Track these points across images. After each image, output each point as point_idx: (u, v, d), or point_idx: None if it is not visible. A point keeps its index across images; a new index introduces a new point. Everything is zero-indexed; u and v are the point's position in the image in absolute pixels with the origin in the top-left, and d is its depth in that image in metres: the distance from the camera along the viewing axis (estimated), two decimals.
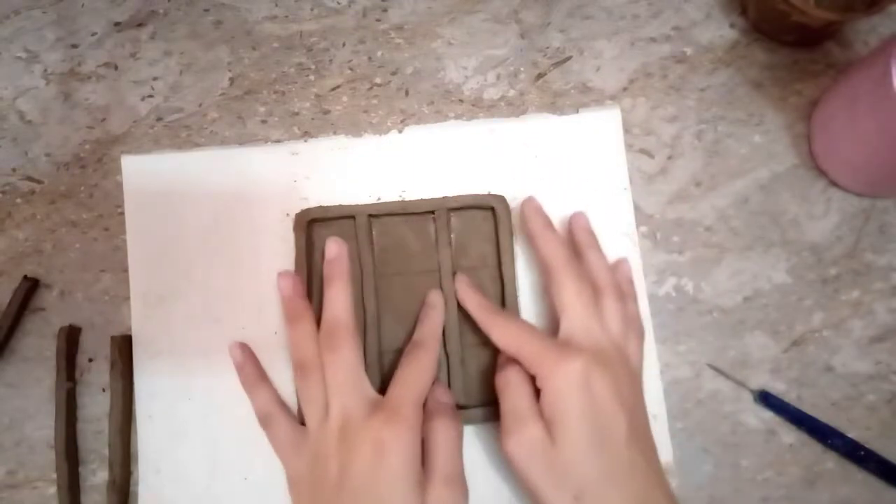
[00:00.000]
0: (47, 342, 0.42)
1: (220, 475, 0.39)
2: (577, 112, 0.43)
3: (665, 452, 0.39)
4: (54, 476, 0.40)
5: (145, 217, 0.42)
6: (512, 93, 0.44)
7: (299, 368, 0.36)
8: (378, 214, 0.41)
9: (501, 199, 0.41)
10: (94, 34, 0.46)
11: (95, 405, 0.41)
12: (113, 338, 0.41)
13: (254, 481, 0.39)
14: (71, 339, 0.41)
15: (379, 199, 0.42)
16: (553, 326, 0.37)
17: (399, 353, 0.39)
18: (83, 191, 0.44)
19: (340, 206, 0.41)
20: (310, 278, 0.40)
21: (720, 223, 0.42)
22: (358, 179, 0.42)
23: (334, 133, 0.44)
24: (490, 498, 0.38)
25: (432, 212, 0.41)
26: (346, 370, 0.35)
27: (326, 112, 0.44)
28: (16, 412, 0.41)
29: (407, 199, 0.42)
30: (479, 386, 0.40)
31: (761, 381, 0.41)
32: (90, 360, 0.42)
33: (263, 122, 0.44)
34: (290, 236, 0.41)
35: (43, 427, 0.41)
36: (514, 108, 0.44)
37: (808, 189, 0.43)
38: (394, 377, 0.36)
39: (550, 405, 0.33)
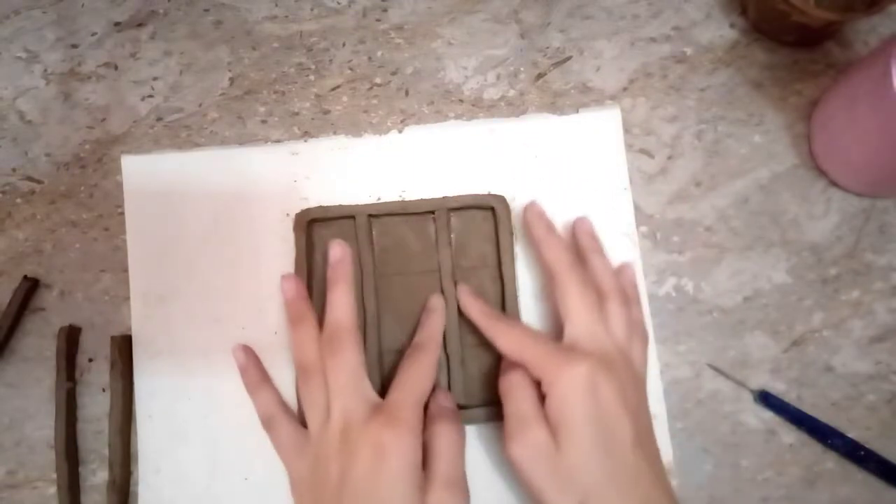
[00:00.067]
0: (47, 342, 0.42)
1: (220, 475, 0.39)
2: (577, 112, 0.43)
3: (665, 452, 0.39)
4: (54, 476, 0.40)
5: (145, 217, 0.42)
6: (512, 93, 0.44)
7: (301, 371, 0.37)
8: (378, 214, 0.41)
9: (501, 199, 0.41)
10: (94, 34, 0.46)
11: (95, 405, 0.41)
12: (113, 338, 0.41)
13: (254, 481, 0.39)
14: (71, 339, 0.41)
15: (379, 199, 0.42)
16: (556, 330, 0.37)
17: (399, 354, 0.39)
18: (83, 191, 0.44)
19: (340, 206, 0.41)
20: (310, 278, 0.40)
21: (720, 223, 0.42)
22: (358, 179, 0.42)
23: (334, 133, 0.44)
24: (491, 499, 0.38)
25: (432, 212, 0.41)
26: (347, 373, 0.35)
27: (326, 112, 0.44)
28: (16, 412, 0.41)
29: (407, 199, 0.42)
30: (479, 386, 0.40)
31: (761, 381, 0.41)
32: (90, 360, 0.42)
33: (263, 122, 0.44)
34: (290, 236, 0.41)
35: (43, 427, 0.41)
36: (514, 108, 0.44)
37: (808, 189, 0.43)
38: (394, 380, 0.36)
39: (555, 410, 0.33)
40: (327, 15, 0.46)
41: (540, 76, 0.45)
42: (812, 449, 0.40)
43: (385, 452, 0.32)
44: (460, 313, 0.40)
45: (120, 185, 0.43)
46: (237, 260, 0.41)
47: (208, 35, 0.46)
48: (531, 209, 0.40)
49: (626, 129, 0.43)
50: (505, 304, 0.40)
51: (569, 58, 0.45)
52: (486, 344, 0.38)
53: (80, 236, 0.43)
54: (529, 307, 0.41)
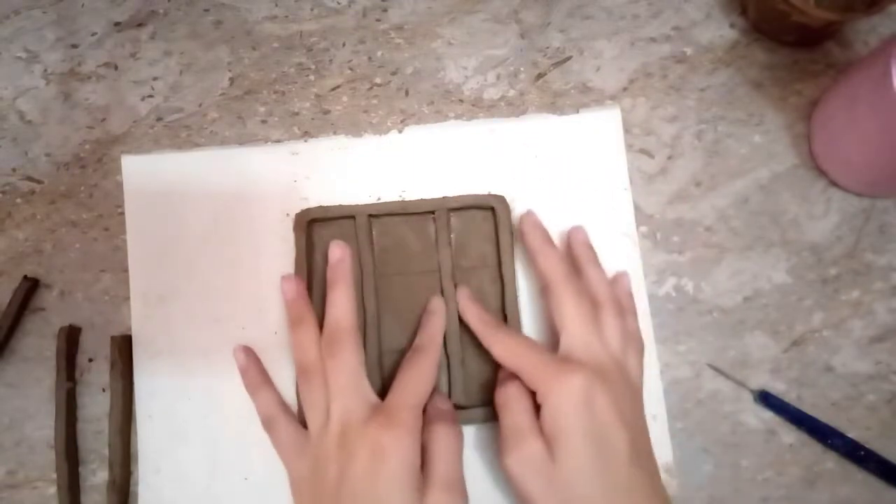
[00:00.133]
0: (47, 342, 0.42)
1: (220, 475, 0.39)
2: (578, 112, 0.43)
3: (665, 452, 0.39)
4: (54, 476, 0.40)
5: (145, 217, 0.42)
6: (512, 93, 0.44)
7: (302, 372, 0.37)
8: (378, 214, 0.41)
9: (501, 199, 0.41)
10: (94, 34, 0.46)
11: (95, 405, 0.41)
12: (113, 338, 0.41)
13: (254, 481, 0.39)
14: (71, 339, 0.41)
15: (379, 199, 0.42)
16: (552, 341, 0.37)
17: (399, 354, 0.39)
18: (83, 191, 0.44)
19: (340, 206, 0.41)
20: (310, 278, 0.40)
21: (720, 223, 0.42)
22: (358, 179, 0.42)
23: (334, 133, 0.44)
24: (490, 500, 0.38)
25: (432, 212, 0.41)
26: (347, 374, 0.35)
27: (326, 112, 0.44)
28: (16, 412, 0.41)
29: (407, 199, 0.42)
30: (479, 386, 0.40)
31: (761, 381, 0.41)
32: (90, 360, 0.42)
33: (263, 122, 0.44)
34: (290, 236, 0.41)
35: (43, 427, 0.41)
36: (514, 108, 0.44)
37: (808, 189, 0.43)
38: (394, 382, 0.36)
39: (551, 422, 0.33)
40: (327, 15, 0.46)
41: (540, 76, 0.45)
42: (812, 449, 0.40)
43: (384, 454, 0.32)
44: (460, 316, 0.40)
45: (120, 185, 0.43)
46: (237, 260, 0.41)
47: (208, 35, 0.46)
48: (527, 219, 0.40)
49: (626, 129, 0.43)
50: (505, 304, 0.40)
51: (569, 58, 0.45)
52: None
53: (80, 236, 0.43)
54: (529, 307, 0.41)
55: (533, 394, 0.34)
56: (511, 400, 0.35)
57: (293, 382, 0.39)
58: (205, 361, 0.40)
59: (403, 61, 0.45)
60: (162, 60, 0.45)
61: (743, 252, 0.42)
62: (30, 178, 0.44)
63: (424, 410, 0.36)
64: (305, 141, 0.43)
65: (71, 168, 0.44)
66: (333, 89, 0.45)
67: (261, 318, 0.41)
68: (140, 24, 0.46)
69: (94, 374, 0.41)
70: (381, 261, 0.41)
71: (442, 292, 0.40)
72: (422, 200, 0.41)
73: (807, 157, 0.43)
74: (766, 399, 0.40)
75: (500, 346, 0.36)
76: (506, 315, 0.40)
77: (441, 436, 0.35)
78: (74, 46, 0.46)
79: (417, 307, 0.40)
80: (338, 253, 0.39)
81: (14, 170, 0.44)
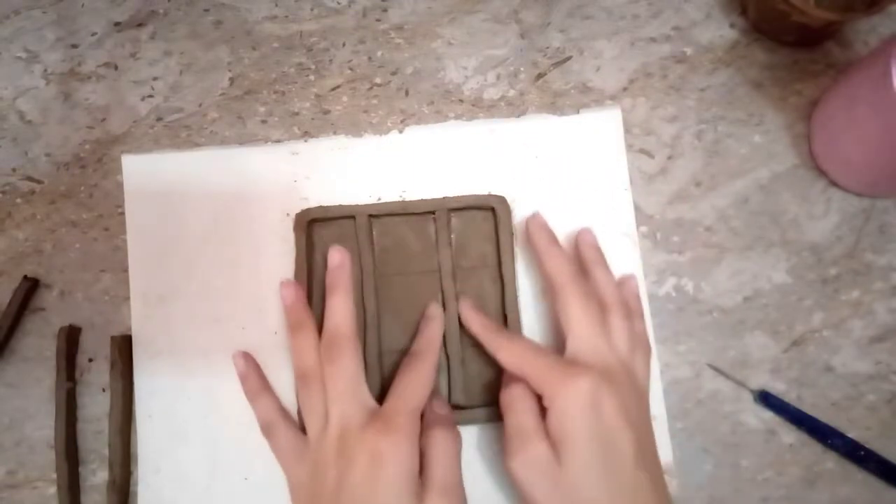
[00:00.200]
0: (47, 342, 0.42)
1: (220, 475, 0.39)
2: (578, 112, 0.43)
3: (665, 452, 0.39)
4: (54, 476, 0.40)
5: (145, 217, 0.42)
6: (512, 93, 0.44)
7: (301, 377, 0.37)
8: (378, 214, 0.41)
9: (502, 200, 0.41)
10: (94, 34, 0.46)
11: (95, 405, 0.41)
12: (113, 338, 0.41)
13: (254, 481, 0.39)
14: (71, 339, 0.41)
15: (379, 199, 0.42)
16: (558, 343, 0.37)
17: (399, 353, 0.39)
18: (83, 191, 0.44)
19: (341, 206, 0.41)
20: (310, 278, 0.40)
21: (720, 223, 0.42)
22: (358, 179, 0.42)
23: (334, 133, 0.44)
24: (489, 501, 0.38)
25: (432, 212, 0.41)
26: (345, 380, 0.35)
27: (326, 112, 0.44)
28: (16, 412, 0.41)
29: (407, 199, 0.42)
30: (479, 386, 0.40)
31: (761, 381, 0.41)
32: (90, 360, 0.42)
33: (263, 122, 0.44)
34: (291, 236, 0.41)
35: (43, 427, 0.41)
36: (514, 108, 0.44)
37: (808, 189, 0.43)
38: (391, 387, 0.36)
39: (557, 425, 0.32)
40: (327, 15, 0.46)
41: (540, 76, 0.45)
42: (812, 449, 0.40)
43: (382, 459, 0.32)
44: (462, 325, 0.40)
45: (120, 185, 0.43)
46: (237, 260, 0.41)
47: (208, 35, 0.46)
48: (533, 221, 0.39)
49: (626, 129, 0.43)
50: (505, 304, 0.40)
51: (569, 58, 0.45)
52: None
53: (80, 236, 0.43)
54: (529, 307, 0.41)
55: (539, 397, 0.34)
56: (516, 401, 0.34)
57: (292, 383, 0.39)
58: (205, 361, 0.40)
59: (403, 61, 0.45)
60: (162, 60, 0.45)
61: (743, 252, 0.42)
62: (30, 178, 0.44)
63: (422, 415, 0.36)
64: (306, 141, 0.43)
65: (71, 168, 0.44)
66: (333, 89, 0.45)
67: (261, 318, 0.41)
68: (140, 24, 0.46)
69: (94, 374, 0.41)
70: (381, 261, 0.41)
71: (442, 292, 0.40)
72: (422, 201, 0.41)
73: (807, 157, 0.43)
74: (766, 399, 0.40)
75: (506, 352, 0.36)
76: (506, 315, 0.40)
77: (439, 440, 0.35)
78: (74, 46, 0.46)
79: (417, 307, 0.40)
80: (337, 258, 0.39)
81: (14, 170, 0.44)
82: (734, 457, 0.40)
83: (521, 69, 0.45)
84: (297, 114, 0.44)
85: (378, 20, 0.46)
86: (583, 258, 0.39)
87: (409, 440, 0.33)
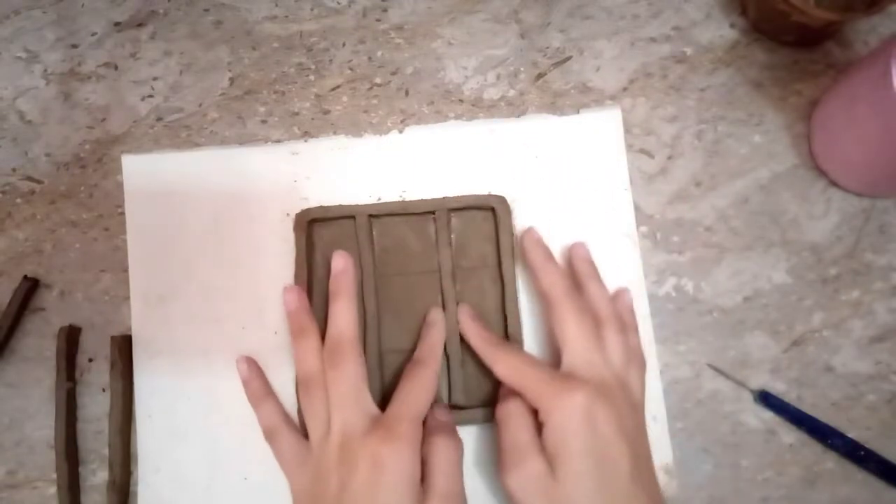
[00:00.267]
0: (47, 342, 0.42)
1: (219, 475, 0.39)
2: (578, 113, 0.43)
3: (665, 453, 0.39)
4: (54, 476, 0.40)
5: (145, 216, 0.42)
6: (512, 93, 0.44)
7: (303, 383, 0.37)
8: (378, 214, 0.41)
9: (502, 200, 0.41)
10: (94, 34, 0.46)
11: (95, 405, 0.41)
12: (113, 338, 0.41)
13: (254, 481, 0.39)
14: (71, 339, 0.41)
15: (379, 199, 0.42)
16: (555, 357, 0.37)
17: (399, 353, 0.40)
18: (83, 191, 0.44)
19: (341, 206, 0.41)
20: (310, 279, 0.40)
21: (720, 223, 0.42)
22: (358, 179, 0.42)
23: (334, 133, 0.44)
24: (488, 501, 0.38)
25: (433, 212, 0.41)
26: (348, 386, 0.35)
27: (326, 112, 0.44)
28: (16, 412, 0.41)
29: (407, 199, 0.42)
30: (479, 386, 0.40)
31: (761, 381, 0.41)
32: (90, 360, 0.42)
33: (263, 122, 0.44)
34: (291, 236, 0.41)
35: (43, 427, 0.41)
36: (514, 108, 0.44)
37: (808, 189, 0.43)
38: (394, 394, 0.36)
39: (553, 439, 0.32)
40: (327, 15, 0.46)
41: (540, 76, 0.45)
42: (812, 449, 0.40)
43: (383, 466, 0.32)
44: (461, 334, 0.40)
45: (120, 185, 0.43)
46: (237, 260, 0.41)
47: (208, 35, 0.46)
48: (528, 236, 0.40)
49: (626, 129, 0.43)
50: (505, 304, 0.40)
51: (569, 58, 0.45)
52: None
53: (80, 236, 0.43)
54: (529, 308, 0.41)
55: (535, 411, 0.34)
56: (512, 416, 0.34)
57: (293, 384, 0.39)
58: (205, 361, 0.40)
59: (403, 61, 0.45)
60: (162, 60, 0.45)
61: (743, 252, 0.42)
62: (30, 178, 0.44)
63: (424, 422, 0.36)
64: (306, 141, 0.43)
65: (71, 168, 0.44)
66: (333, 89, 0.45)
67: (261, 318, 0.41)
68: (140, 24, 0.46)
69: (94, 374, 0.41)
70: (381, 261, 0.41)
71: (442, 293, 0.40)
72: (422, 201, 0.41)
73: (807, 157, 0.43)
74: (766, 399, 0.40)
75: (502, 365, 0.36)
76: (506, 315, 0.40)
77: (441, 448, 0.35)
78: (74, 46, 0.46)
79: (417, 307, 0.40)
80: (341, 263, 0.39)
81: (14, 170, 0.44)
82: (734, 457, 0.40)
83: (521, 69, 0.45)
84: (297, 114, 0.44)
85: (378, 20, 0.46)
86: (577, 272, 0.39)
87: (410, 447, 0.33)
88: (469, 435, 0.39)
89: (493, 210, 0.41)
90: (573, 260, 0.40)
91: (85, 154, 0.44)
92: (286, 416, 0.39)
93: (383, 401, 0.38)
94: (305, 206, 0.41)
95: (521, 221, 0.41)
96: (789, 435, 0.40)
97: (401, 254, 0.41)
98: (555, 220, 0.41)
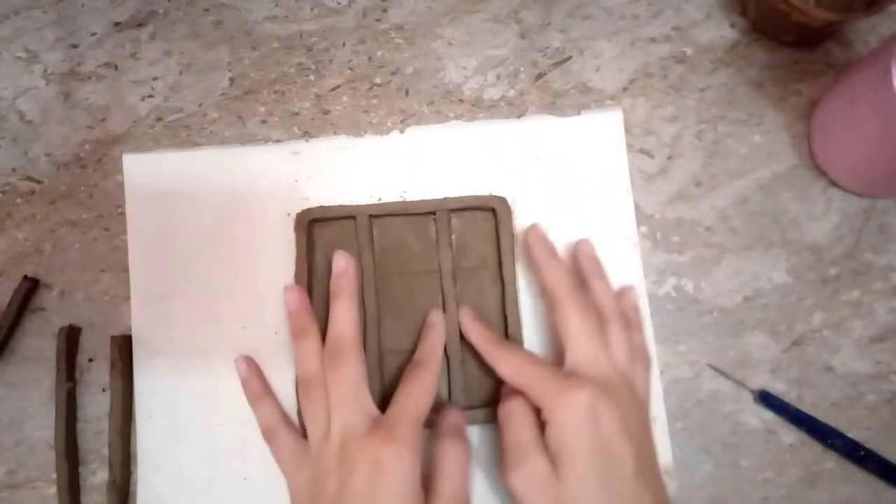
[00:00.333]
0: (47, 342, 0.42)
1: (219, 475, 0.39)
2: (579, 113, 0.43)
3: (665, 453, 0.39)
4: (54, 476, 0.40)
5: (146, 216, 0.42)
6: (512, 93, 0.44)
7: (303, 383, 0.37)
8: (379, 215, 0.41)
9: (502, 200, 0.41)
10: (94, 34, 0.46)
11: (95, 405, 0.41)
12: (113, 338, 0.41)
13: (253, 481, 0.39)
14: (71, 339, 0.41)
15: (380, 199, 0.42)
16: (558, 355, 0.36)
17: (399, 353, 0.40)
18: (83, 191, 0.44)
19: (341, 207, 0.41)
20: (310, 279, 0.40)
21: (720, 223, 0.42)
22: (359, 179, 0.42)
23: (334, 133, 0.44)
24: (491, 501, 0.38)
25: (433, 212, 0.41)
26: (348, 387, 0.35)
27: (326, 112, 0.44)
28: (16, 412, 0.41)
29: (408, 199, 0.42)
30: (479, 386, 0.40)
31: (761, 381, 0.41)
32: (90, 360, 0.42)
33: (263, 122, 0.44)
34: (291, 236, 0.41)
35: (43, 427, 0.41)
36: (514, 108, 0.44)
37: (808, 189, 0.43)
38: (394, 396, 0.36)
39: (556, 438, 0.32)
40: (327, 15, 0.46)
41: (540, 76, 0.45)
42: (812, 449, 0.40)
43: (383, 468, 0.32)
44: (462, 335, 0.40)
45: (120, 185, 0.43)
46: (237, 260, 0.41)
47: (208, 35, 0.46)
48: (532, 233, 0.39)
49: (627, 129, 0.43)
50: (505, 304, 0.40)
51: (569, 58, 0.45)
52: None
53: (80, 236, 0.43)
54: (530, 308, 0.41)
55: (538, 411, 0.34)
56: (514, 415, 0.34)
57: (292, 383, 0.39)
58: (205, 361, 0.40)
59: (403, 61, 0.45)
60: (162, 60, 0.45)
61: (743, 252, 0.42)
62: (30, 178, 0.44)
63: (431, 424, 0.36)
64: (307, 141, 0.43)
65: (71, 168, 0.44)
66: (333, 89, 0.45)
67: (261, 317, 0.41)
68: (140, 24, 0.46)
69: (94, 374, 0.41)
70: (381, 261, 0.41)
71: (442, 293, 0.40)
72: (423, 201, 0.41)
73: (807, 157, 0.43)
74: (766, 399, 0.40)
75: (505, 364, 0.36)
76: (506, 315, 0.40)
77: (451, 451, 0.34)
78: (74, 46, 0.46)
79: (418, 307, 0.40)
80: (342, 264, 0.39)
81: (14, 170, 0.44)
82: (734, 457, 0.40)
83: (521, 69, 0.45)
84: (297, 114, 0.44)
85: (378, 20, 0.46)
86: (581, 270, 0.39)
87: (410, 449, 0.33)
88: (470, 435, 0.39)
89: (493, 210, 0.41)
90: (578, 256, 0.40)
91: (85, 154, 0.44)
92: (285, 415, 0.39)
93: (383, 401, 0.38)
94: (306, 205, 0.41)
95: (521, 222, 0.41)
96: (789, 435, 0.40)
97: (401, 254, 0.41)
98: (555, 221, 0.41)
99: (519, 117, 0.44)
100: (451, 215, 0.41)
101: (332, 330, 0.37)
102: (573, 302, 0.36)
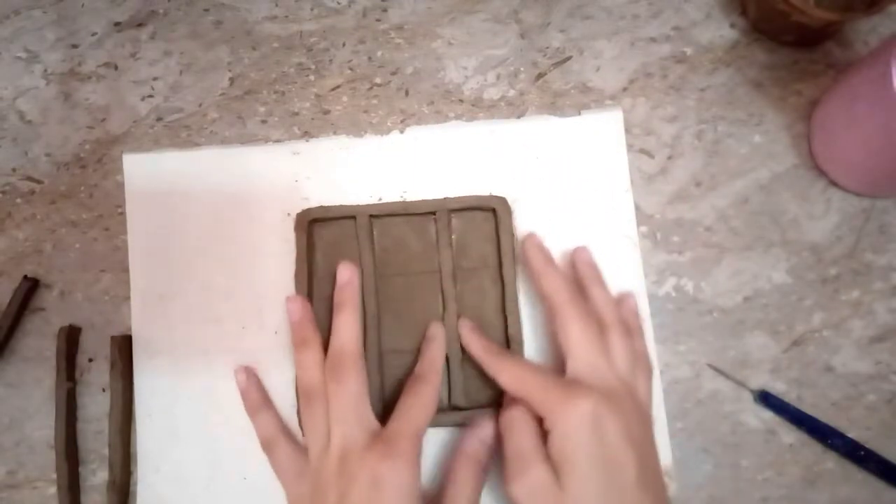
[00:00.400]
0: (47, 342, 0.42)
1: (219, 474, 0.39)
2: (579, 113, 0.43)
3: (665, 454, 0.39)
4: (54, 476, 0.40)
5: (146, 216, 0.42)
6: (512, 93, 0.44)
7: (304, 395, 0.36)
8: (379, 215, 0.41)
9: (503, 201, 0.41)
10: (94, 34, 0.46)
11: (95, 405, 0.41)
12: (113, 338, 0.41)
13: (253, 481, 0.39)
14: (71, 339, 0.41)
15: (380, 199, 0.42)
16: (559, 364, 0.36)
17: (399, 354, 0.40)
18: (83, 191, 0.44)
19: (342, 207, 0.41)
20: (310, 279, 0.40)
21: (720, 223, 0.42)
22: (359, 179, 0.42)
23: (334, 133, 0.44)
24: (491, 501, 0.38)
25: (433, 212, 0.41)
26: (349, 400, 0.35)
27: (326, 112, 0.44)
28: (16, 412, 0.41)
29: (408, 199, 0.42)
30: (479, 387, 0.40)
31: (761, 381, 0.41)
32: (90, 360, 0.42)
33: (263, 122, 0.44)
34: (291, 236, 0.41)
35: (43, 427, 0.41)
36: (514, 108, 0.44)
37: (808, 189, 0.43)
38: (395, 410, 0.36)
39: (559, 447, 0.32)
40: (327, 15, 0.46)
41: (540, 76, 0.45)
42: (812, 449, 0.40)
43: (382, 482, 0.32)
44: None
45: (120, 185, 0.43)
46: (237, 260, 0.41)
47: (208, 35, 0.46)
48: (530, 241, 0.39)
49: (627, 129, 0.43)
50: (505, 304, 0.40)
51: (569, 58, 0.45)
52: None
53: (80, 236, 0.43)
54: (530, 308, 0.41)
55: (539, 419, 0.34)
56: (515, 423, 0.34)
57: (293, 386, 0.39)
58: (204, 361, 0.40)
59: (403, 61, 0.45)
60: (162, 60, 0.45)
61: (743, 252, 0.42)
62: (30, 178, 0.44)
63: (427, 429, 0.36)
64: (307, 141, 0.43)
65: (71, 168, 0.44)
66: (333, 89, 0.45)
67: (261, 318, 0.41)
68: (140, 24, 0.46)
69: (94, 374, 0.41)
70: (381, 261, 0.41)
71: (442, 293, 0.40)
72: (423, 201, 0.41)
73: (807, 157, 0.43)
74: (766, 399, 0.40)
75: (506, 374, 0.36)
76: (506, 316, 0.40)
77: (465, 476, 0.34)
78: (74, 46, 0.46)
79: (418, 308, 0.40)
80: (346, 275, 0.39)
81: (14, 170, 0.44)
82: (734, 457, 0.40)
83: (521, 69, 0.45)
84: (297, 114, 0.44)
85: (378, 20, 0.46)
86: (580, 276, 0.39)
87: (409, 464, 0.33)
88: None
89: (493, 211, 0.41)
90: (576, 264, 0.40)
91: (85, 154, 0.44)
92: (284, 426, 0.39)
93: (383, 404, 0.39)
94: (306, 205, 0.41)
95: (521, 222, 0.41)
96: (789, 435, 0.40)
97: (401, 254, 0.41)
98: (555, 221, 0.41)
99: (519, 117, 0.44)
100: (452, 215, 0.41)
101: (335, 342, 0.37)
102: (573, 310, 0.36)
